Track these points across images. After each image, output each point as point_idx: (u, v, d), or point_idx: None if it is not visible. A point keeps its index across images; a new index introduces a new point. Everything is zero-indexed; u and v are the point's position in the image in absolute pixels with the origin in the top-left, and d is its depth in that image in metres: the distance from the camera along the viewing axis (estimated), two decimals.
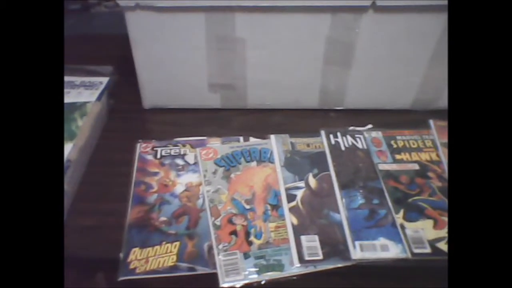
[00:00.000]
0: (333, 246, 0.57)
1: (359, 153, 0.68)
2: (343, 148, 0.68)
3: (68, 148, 0.64)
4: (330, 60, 0.70)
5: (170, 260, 0.55)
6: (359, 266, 0.55)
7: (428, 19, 0.65)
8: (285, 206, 0.61)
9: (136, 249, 0.56)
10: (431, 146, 0.68)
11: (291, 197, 0.62)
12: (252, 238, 0.58)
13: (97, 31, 0.89)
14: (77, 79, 0.76)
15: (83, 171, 0.66)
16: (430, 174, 0.65)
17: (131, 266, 0.55)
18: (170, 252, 0.56)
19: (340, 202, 0.61)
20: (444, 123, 0.71)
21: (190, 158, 0.68)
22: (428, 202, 0.61)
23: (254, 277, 0.54)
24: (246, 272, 0.54)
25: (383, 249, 0.56)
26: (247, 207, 0.61)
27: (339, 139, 0.69)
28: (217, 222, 0.59)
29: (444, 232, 0.58)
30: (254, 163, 0.67)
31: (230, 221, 0.59)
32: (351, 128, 0.71)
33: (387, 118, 0.73)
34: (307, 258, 0.55)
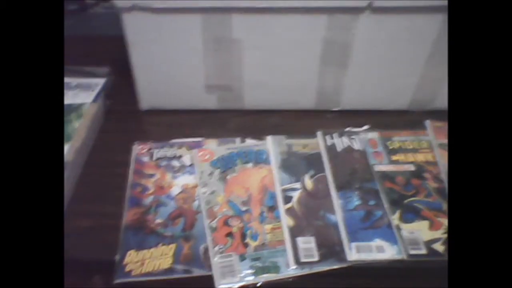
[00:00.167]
0: (329, 247, 0.57)
1: (356, 154, 0.68)
2: (339, 149, 0.68)
3: (65, 149, 0.64)
4: (327, 61, 0.70)
5: (166, 263, 0.55)
6: (355, 267, 0.55)
7: (424, 19, 0.65)
8: (281, 207, 0.61)
9: (132, 252, 0.56)
10: (427, 147, 0.68)
11: (287, 199, 0.62)
12: (248, 240, 0.58)
13: (94, 32, 0.89)
14: (74, 81, 0.76)
15: (79, 173, 0.66)
16: (426, 175, 0.65)
17: (127, 269, 0.55)
18: (166, 254, 0.56)
19: (336, 204, 0.61)
20: (441, 124, 0.71)
21: (186, 160, 0.68)
22: (424, 203, 0.61)
23: (250, 279, 0.54)
24: (242, 274, 0.54)
25: (379, 251, 0.56)
26: (243, 208, 0.61)
27: (336, 140, 0.69)
28: (213, 224, 0.59)
29: (439, 233, 0.58)
30: (250, 165, 0.67)
31: (226, 223, 0.59)
32: (347, 129, 0.71)
33: (384, 119, 0.73)
34: (303, 259, 0.55)
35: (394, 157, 0.67)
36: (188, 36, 0.67)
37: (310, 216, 0.60)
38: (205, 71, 0.71)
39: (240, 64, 0.70)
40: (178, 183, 0.65)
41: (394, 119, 0.73)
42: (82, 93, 0.74)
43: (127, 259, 0.56)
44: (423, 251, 0.56)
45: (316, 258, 0.56)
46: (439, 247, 0.56)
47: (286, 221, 0.59)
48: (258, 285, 0.53)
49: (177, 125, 0.73)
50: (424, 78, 0.71)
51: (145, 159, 0.68)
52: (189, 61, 0.70)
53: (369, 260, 0.56)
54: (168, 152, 0.69)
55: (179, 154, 0.68)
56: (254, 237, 0.58)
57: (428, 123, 0.72)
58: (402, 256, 0.56)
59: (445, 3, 0.61)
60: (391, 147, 0.69)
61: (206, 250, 0.57)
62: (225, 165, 0.66)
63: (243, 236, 0.58)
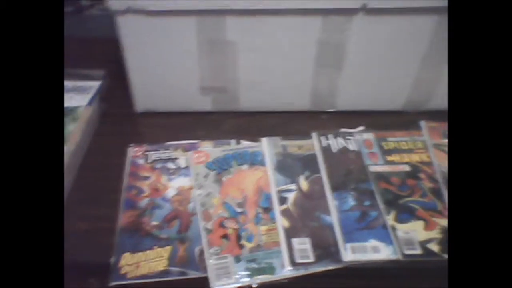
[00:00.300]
0: (325, 248, 0.57)
1: (351, 155, 0.68)
2: (334, 150, 0.68)
3: None
4: (322, 62, 0.70)
5: (161, 265, 0.55)
6: (351, 268, 0.55)
7: (418, 21, 0.65)
8: (277, 209, 0.61)
9: (127, 254, 0.56)
10: (422, 147, 0.69)
11: (282, 200, 0.62)
12: (243, 241, 0.58)
13: (89, 34, 0.89)
14: (69, 83, 0.76)
15: (75, 176, 0.66)
16: (421, 175, 0.65)
17: (122, 271, 0.55)
18: (161, 256, 0.56)
19: (332, 204, 0.61)
20: (435, 124, 0.71)
21: (181, 162, 0.68)
22: (419, 203, 0.61)
23: (245, 281, 0.54)
24: (237, 276, 0.54)
25: (374, 251, 0.57)
26: (239, 210, 0.61)
27: (331, 141, 0.69)
28: (209, 226, 0.59)
29: (435, 233, 0.58)
30: (245, 166, 0.67)
31: (221, 225, 0.59)
32: (342, 130, 0.71)
33: (379, 120, 0.73)
34: (298, 261, 0.56)
35: (389, 158, 0.67)
36: (183, 38, 0.67)
37: (306, 217, 0.60)
38: (200, 73, 0.71)
39: (235, 66, 0.70)
40: (174, 185, 0.65)
41: (389, 119, 0.73)
42: (77, 96, 0.74)
43: (122, 261, 0.56)
44: (418, 251, 0.56)
45: (311, 259, 0.56)
46: (434, 247, 0.57)
47: (282, 222, 0.59)
48: (253, 286, 0.53)
49: (172, 127, 0.73)
50: (418, 79, 0.71)
51: (140, 161, 0.68)
52: (184, 63, 0.70)
53: (365, 260, 0.56)
54: (163, 154, 0.69)
55: (174, 156, 0.68)
56: (250, 238, 0.58)
57: (423, 123, 0.72)
58: (398, 256, 0.56)
59: (439, 4, 0.62)
60: (386, 148, 0.69)
61: (201, 252, 0.57)
62: (221, 167, 0.66)
63: (239, 237, 0.58)
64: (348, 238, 0.58)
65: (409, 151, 0.68)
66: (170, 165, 0.67)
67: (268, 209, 0.61)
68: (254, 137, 0.71)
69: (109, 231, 0.59)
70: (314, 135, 0.70)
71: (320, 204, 0.62)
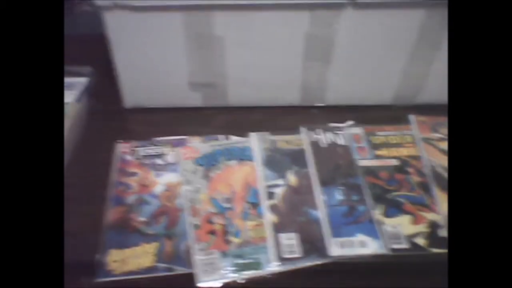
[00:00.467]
0: (312, 243, 0.57)
1: (339, 150, 0.68)
2: (323, 145, 0.68)
3: None
4: (310, 57, 0.69)
5: (148, 261, 0.55)
6: (338, 263, 0.55)
7: (407, 15, 0.65)
8: (264, 204, 0.61)
9: (114, 250, 0.56)
10: (411, 142, 0.68)
11: (270, 195, 0.62)
12: (230, 237, 0.57)
13: (77, 31, 0.88)
14: None
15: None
16: (410, 169, 0.65)
17: (109, 268, 0.55)
18: (148, 252, 0.56)
19: (320, 199, 0.61)
20: (424, 119, 0.71)
21: (170, 158, 0.67)
22: (407, 198, 0.61)
23: (231, 276, 0.54)
24: (224, 271, 0.54)
25: (362, 246, 0.57)
26: (226, 206, 0.61)
27: (320, 136, 0.69)
28: (196, 222, 0.59)
29: (422, 227, 0.58)
30: (234, 162, 0.67)
31: (208, 221, 0.59)
32: (331, 124, 0.71)
33: (368, 114, 0.73)
34: (285, 256, 0.55)
35: (378, 152, 0.67)
36: (170, 34, 0.67)
37: (293, 212, 0.60)
38: (188, 69, 0.71)
39: (223, 61, 0.70)
40: (162, 181, 0.64)
41: (378, 114, 0.73)
42: (65, 93, 0.73)
43: (109, 258, 0.55)
44: (405, 245, 0.56)
45: (298, 254, 0.56)
46: (421, 241, 0.57)
47: (269, 218, 0.59)
48: (240, 282, 0.53)
49: (160, 123, 0.73)
50: (407, 73, 0.71)
51: (129, 157, 0.67)
52: (172, 59, 0.70)
53: (352, 255, 0.56)
54: (151, 150, 0.68)
55: (162, 152, 0.68)
56: (237, 234, 0.58)
57: (412, 117, 0.72)
58: (384, 250, 0.56)
59: None
60: (375, 142, 0.69)
61: (188, 248, 0.57)
62: (209, 162, 0.66)
63: (226, 233, 0.58)
64: (336, 233, 0.58)
65: (398, 145, 0.68)
66: (159, 161, 0.67)
67: (255, 205, 0.61)
68: (243, 133, 0.70)
69: (97, 227, 0.59)
70: (303, 130, 0.70)
71: (308, 199, 0.62)
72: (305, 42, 0.68)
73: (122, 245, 0.57)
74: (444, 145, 0.67)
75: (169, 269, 0.55)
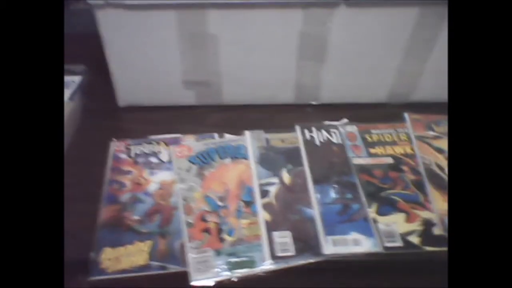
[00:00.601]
0: (306, 241, 0.57)
1: (334, 148, 0.68)
2: (318, 143, 0.68)
3: None
4: (304, 55, 0.69)
5: (142, 259, 0.55)
6: (331, 261, 0.55)
7: (400, 13, 0.65)
8: (258, 202, 0.61)
9: (108, 249, 0.56)
10: (406, 139, 0.68)
11: (264, 193, 0.62)
12: (224, 235, 0.57)
13: (71, 29, 0.88)
14: None
15: None
16: (404, 167, 0.65)
17: (102, 266, 0.54)
18: (142, 251, 0.56)
19: (314, 197, 0.61)
20: (419, 116, 0.71)
21: (164, 156, 0.67)
22: (401, 196, 0.61)
23: (225, 274, 0.54)
24: (217, 270, 0.54)
25: (355, 244, 0.57)
26: (220, 204, 0.61)
27: (314, 134, 0.69)
28: (190, 220, 0.59)
29: (415, 226, 0.58)
30: (228, 160, 0.66)
31: (202, 219, 0.59)
32: (326, 122, 0.71)
33: (363, 112, 0.73)
34: (278, 254, 0.55)
35: (373, 150, 0.67)
36: (164, 32, 0.67)
37: (287, 210, 0.60)
38: (182, 67, 0.71)
39: (217, 59, 0.70)
40: (156, 180, 0.64)
41: (372, 112, 0.73)
42: None
43: (102, 256, 0.55)
44: (399, 243, 0.56)
45: (292, 253, 0.56)
46: (415, 239, 0.57)
47: (263, 216, 0.59)
48: (234, 280, 0.53)
49: (155, 121, 0.73)
50: (401, 71, 0.71)
51: (123, 156, 0.67)
52: (166, 57, 0.70)
53: (345, 253, 0.56)
54: (145, 148, 0.68)
55: (157, 151, 0.68)
56: (231, 232, 0.58)
57: (406, 115, 0.71)
58: (378, 248, 0.56)
59: None
60: (369, 140, 0.69)
61: (182, 246, 0.56)
62: (203, 160, 0.66)
63: (220, 231, 0.58)
64: (329, 231, 0.58)
65: (393, 143, 0.68)
66: (153, 159, 0.67)
67: (249, 203, 0.61)
68: (238, 131, 0.70)
69: (90, 226, 0.58)
70: (297, 128, 0.70)
71: (302, 197, 0.62)
72: (299, 40, 0.68)
73: (115, 244, 0.57)
74: (439, 143, 0.67)
75: (163, 268, 0.55)
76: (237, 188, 0.63)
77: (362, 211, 0.60)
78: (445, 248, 0.56)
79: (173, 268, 0.55)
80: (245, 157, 0.67)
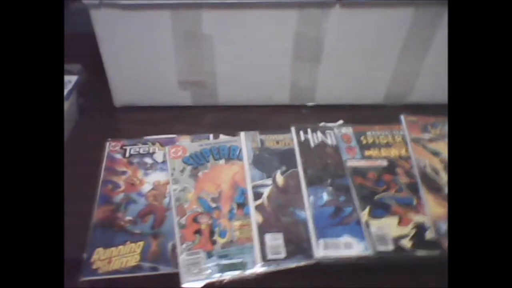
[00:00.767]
0: (297, 244, 0.57)
1: (328, 150, 0.67)
2: (312, 145, 0.68)
3: None
4: (300, 56, 0.69)
5: (133, 260, 0.55)
6: (322, 264, 0.55)
7: (395, 13, 0.64)
8: (251, 204, 0.61)
9: (100, 249, 0.56)
10: (401, 142, 0.68)
11: (257, 195, 0.62)
12: (216, 237, 0.57)
13: (67, 28, 0.88)
14: None
15: None
16: (398, 170, 0.64)
17: (94, 266, 0.55)
18: (134, 251, 0.56)
19: (307, 200, 0.61)
20: (415, 118, 0.70)
21: (158, 157, 0.67)
22: (394, 199, 0.61)
23: (216, 276, 0.54)
24: (208, 272, 0.54)
25: (347, 247, 0.56)
26: (213, 205, 0.61)
27: (309, 136, 0.69)
28: (182, 221, 0.59)
29: (408, 229, 0.58)
30: (222, 161, 0.66)
31: (195, 220, 0.59)
32: (321, 124, 0.71)
33: (359, 114, 0.72)
34: (270, 257, 0.55)
35: (367, 152, 0.67)
36: (159, 32, 0.67)
37: (279, 213, 0.60)
38: (177, 67, 0.71)
39: (213, 59, 0.70)
40: (150, 180, 0.65)
41: (369, 113, 0.73)
42: None
43: (94, 256, 0.56)
44: (391, 247, 0.56)
45: (283, 255, 0.56)
46: (407, 243, 0.56)
47: (255, 218, 0.59)
48: (224, 282, 0.53)
49: (151, 122, 0.73)
50: (397, 72, 0.71)
51: (118, 156, 0.68)
52: (161, 58, 0.70)
53: (336, 256, 0.55)
54: (140, 149, 0.68)
55: (151, 151, 0.68)
56: (222, 234, 0.58)
57: (402, 117, 0.71)
58: (370, 252, 0.56)
59: None
60: (364, 142, 0.68)
61: (174, 248, 0.57)
62: (198, 161, 0.66)
63: (211, 233, 0.58)
64: (321, 233, 0.57)
65: (388, 145, 0.68)
66: (147, 160, 0.67)
67: (242, 205, 0.61)
68: (233, 132, 0.70)
69: (83, 226, 0.59)
70: (292, 129, 0.70)
71: (295, 199, 0.61)
72: (295, 41, 0.67)
73: (108, 244, 0.57)
74: (434, 146, 0.67)
75: (154, 269, 0.55)
76: (231, 189, 0.63)
77: (355, 214, 0.60)
78: (437, 252, 0.55)
79: (164, 270, 0.55)
80: (239, 158, 0.67)
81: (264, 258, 0.55)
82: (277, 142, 0.69)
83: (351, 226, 0.58)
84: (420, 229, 0.58)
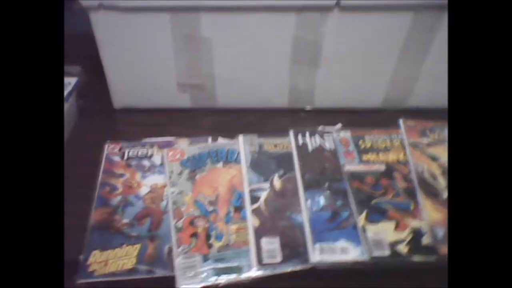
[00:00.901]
0: (293, 248, 0.57)
1: (326, 154, 0.67)
2: (310, 149, 0.68)
3: None
4: (298, 60, 0.69)
5: (130, 263, 0.56)
6: (318, 269, 0.55)
7: (394, 18, 0.64)
8: (248, 208, 0.61)
9: (97, 252, 0.57)
10: (399, 146, 0.68)
11: (254, 199, 0.62)
12: (212, 240, 0.58)
13: (66, 31, 0.89)
14: None
15: None
16: (396, 174, 0.64)
17: (90, 269, 0.55)
18: (130, 254, 0.56)
19: (304, 204, 0.61)
20: (413, 123, 0.70)
21: (156, 159, 0.68)
22: (391, 204, 0.61)
23: (211, 280, 0.54)
24: (204, 275, 0.54)
25: (343, 252, 0.56)
26: (210, 209, 0.61)
27: (307, 140, 0.69)
28: (179, 224, 0.59)
29: (405, 234, 0.58)
30: (220, 164, 0.67)
31: (191, 223, 0.59)
32: (320, 128, 0.71)
33: (358, 118, 0.72)
34: (265, 261, 0.55)
35: (365, 157, 0.67)
36: (158, 35, 0.67)
37: (276, 217, 0.60)
38: (176, 70, 0.71)
39: (211, 62, 0.70)
40: (147, 183, 0.65)
41: (367, 117, 0.73)
42: None
43: (91, 259, 0.56)
44: (387, 252, 0.56)
45: (279, 259, 0.56)
46: (403, 249, 0.56)
47: (252, 222, 0.59)
48: (219, 286, 0.54)
49: (150, 124, 0.73)
50: (396, 76, 0.71)
51: (116, 158, 0.68)
52: (160, 60, 0.70)
53: (332, 261, 0.55)
54: (139, 151, 0.69)
55: (149, 154, 0.68)
56: (219, 237, 0.58)
57: (401, 122, 0.71)
58: (366, 257, 0.56)
59: (414, 2, 0.61)
60: (362, 146, 0.68)
61: (170, 251, 0.57)
62: (195, 164, 0.66)
63: (208, 236, 0.58)
64: (318, 238, 0.57)
65: (386, 150, 0.68)
66: (145, 163, 0.67)
67: (239, 208, 0.61)
68: (231, 135, 0.70)
69: (81, 228, 0.59)
70: (290, 133, 0.70)
71: (292, 203, 0.61)
72: (293, 44, 0.67)
73: (105, 247, 0.57)
74: (432, 150, 0.67)
75: (150, 272, 0.55)
76: (228, 193, 0.63)
77: (352, 218, 0.59)
78: (434, 257, 0.55)
79: (160, 273, 0.55)
80: (237, 162, 0.67)
81: (260, 262, 0.55)
82: (275, 146, 0.69)
83: (348, 231, 0.58)
84: (417, 234, 0.58)
